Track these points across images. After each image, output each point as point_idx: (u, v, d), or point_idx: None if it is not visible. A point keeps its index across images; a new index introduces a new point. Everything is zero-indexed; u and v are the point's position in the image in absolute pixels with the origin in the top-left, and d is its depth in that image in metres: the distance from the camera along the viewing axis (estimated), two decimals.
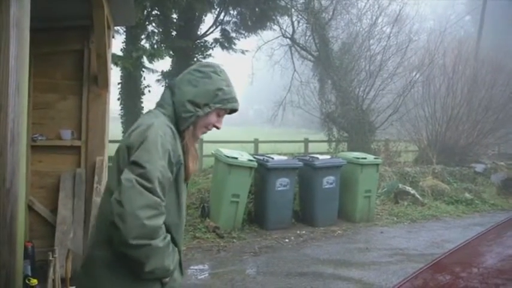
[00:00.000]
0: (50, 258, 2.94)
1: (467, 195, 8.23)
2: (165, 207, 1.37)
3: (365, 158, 6.54)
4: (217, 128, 1.59)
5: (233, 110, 1.62)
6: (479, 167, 9.80)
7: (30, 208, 4.02)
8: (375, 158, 6.77)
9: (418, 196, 7.76)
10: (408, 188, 7.90)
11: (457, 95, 10.57)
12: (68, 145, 4.24)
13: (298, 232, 5.80)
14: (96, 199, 4.09)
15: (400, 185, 7.95)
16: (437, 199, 7.98)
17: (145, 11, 8.35)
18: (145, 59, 8.66)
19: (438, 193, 8.14)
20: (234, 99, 1.57)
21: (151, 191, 1.30)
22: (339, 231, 5.98)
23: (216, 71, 1.56)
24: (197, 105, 1.50)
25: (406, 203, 7.58)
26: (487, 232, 2.17)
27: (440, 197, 8.05)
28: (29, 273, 3.34)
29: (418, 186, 8.27)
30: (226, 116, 1.64)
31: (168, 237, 1.39)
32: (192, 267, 4.51)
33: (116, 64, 7.29)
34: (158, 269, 1.36)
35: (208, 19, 9.82)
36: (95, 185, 4.13)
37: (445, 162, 9.87)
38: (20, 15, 1.67)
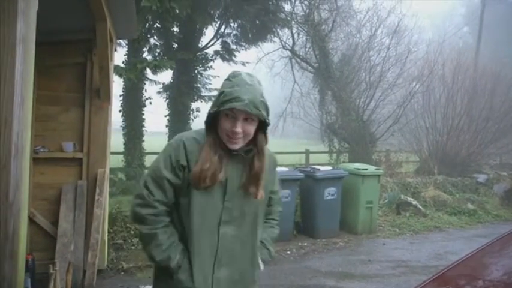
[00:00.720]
0: (51, 271, 2.93)
1: (469, 205, 8.19)
2: (178, 207, 1.58)
3: (366, 169, 6.53)
4: (234, 132, 1.51)
5: (264, 121, 1.56)
6: (481, 178, 9.77)
7: (31, 220, 4.02)
8: (376, 169, 6.75)
9: (420, 207, 7.73)
10: (410, 199, 7.86)
11: (457, 105, 10.62)
12: (70, 157, 4.26)
13: (299, 244, 5.76)
14: (97, 211, 4.09)
15: (402, 196, 7.91)
16: (439, 210, 7.94)
17: (147, 24, 8.45)
18: (148, 71, 8.71)
19: (440, 204, 8.11)
20: (234, 99, 1.46)
21: (144, 185, 1.56)
22: (341, 243, 5.94)
23: (229, 77, 1.56)
24: (209, 114, 1.57)
25: (408, 214, 7.54)
26: (491, 244, 2.16)
27: (443, 208, 8.01)
28: (29, 286, 3.32)
29: (420, 197, 8.23)
30: None
31: (158, 231, 1.53)
32: None
33: (120, 75, 7.34)
34: (148, 254, 1.58)
35: (209, 31, 9.93)
36: (96, 197, 4.14)
37: (446, 172, 9.85)
38: (27, 31, 1.70)
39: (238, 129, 1.50)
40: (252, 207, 1.62)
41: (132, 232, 5.44)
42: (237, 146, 1.54)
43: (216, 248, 1.56)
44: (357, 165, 6.91)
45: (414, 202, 7.78)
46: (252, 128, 1.55)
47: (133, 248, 5.21)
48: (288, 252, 5.45)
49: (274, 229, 1.82)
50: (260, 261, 1.72)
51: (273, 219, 1.83)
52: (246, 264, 1.65)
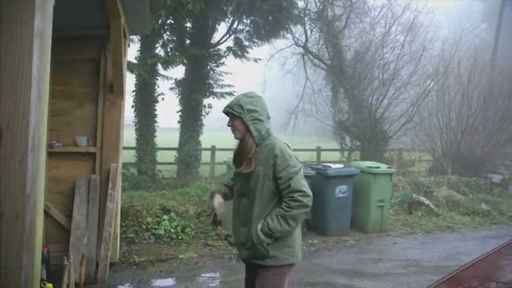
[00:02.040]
0: (65, 263, 2.99)
1: (483, 206, 8.06)
2: None
3: (378, 167, 6.48)
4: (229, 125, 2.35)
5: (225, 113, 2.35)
6: (496, 178, 9.59)
7: (46, 213, 4.09)
8: (388, 167, 6.70)
9: (433, 206, 7.64)
10: (422, 198, 7.78)
11: (472, 104, 10.41)
12: (84, 152, 4.33)
13: (310, 241, 5.76)
14: (110, 205, 4.15)
15: (414, 195, 7.83)
16: (452, 210, 7.83)
17: (160, 20, 8.49)
18: (160, 66, 8.76)
19: (453, 204, 8.00)
20: None
21: None
22: (352, 241, 5.92)
23: None
24: None
25: (420, 213, 7.47)
26: (506, 245, 2.12)
27: (456, 208, 7.90)
28: (44, 277, 3.40)
29: (432, 196, 8.13)
30: None
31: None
32: (203, 274, 4.52)
33: (132, 71, 7.40)
34: None
35: (222, 28, 9.93)
36: (109, 191, 4.20)
37: (460, 172, 9.70)
38: (44, 26, 1.73)
39: (228, 123, 2.32)
40: (253, 184, 2.27)
41: (144, 226, 5.52)
42: (235, 137, 2.33)
43: (240, 212, 2.37)
44: (368, 163, 6.86)
45: (426, 201, 7.70)
46: (236, 122, 2.29)
47: (145, 242, 5.29)
48: (301, 251, 5.44)
49: (280, 209, 2.23)
50: (259, 229, 2.23)
51: (284, 202, 2.24)
52: (250, 229, 2.28)
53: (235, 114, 2.27)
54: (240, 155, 2.31)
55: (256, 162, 2.25)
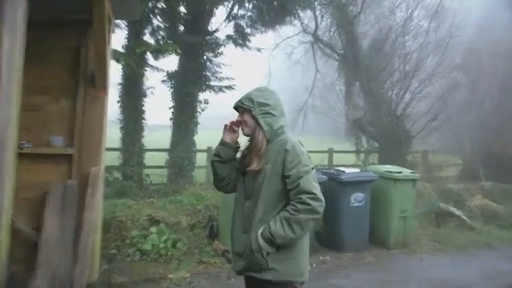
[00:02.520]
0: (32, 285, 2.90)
1: None
2: None
3: (400, 172, 6.40)
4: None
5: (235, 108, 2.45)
6: None
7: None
8: (411, 173, 6.62)
9: (465, 218, 7.56)
10: (452, 209, 7.70)
11: (509, 99, 10.33)
12: (59, 153, 4.27)
13: (321, 258, 5.67)
14: (89, 215, 4.07)
15: (442, 205, 7.76)
16: (488, 223, 7.75)
17: (150, 3, 8.46)
18: (149, 56, 8.73)
19: (490, 215, 7.93)
20: None
21: None
22: (370, 258, 5.83)
23: None
24: None
25: (451, 226, 7.39)
26: None
27: (493, 220, 7.82)
28: None
29: (464, 206, 8.07)
30: None
31: None
32: None
33: (118, 60, 7.38)
34: None
35: (221, 13, 9.91)
36: (87, 199, 4.13)
37: (495, 178, 9.60)
38: (15, 10, 1.65)
39: (238, 117, 2.41)
40: (258, 184, 2.29)
41: (128, 241, 5.44)
42: (244, 133, 2.41)
43: (242, 217, 2.36)
44: (388, 167, 6.78)
45: (457, 212, 7.62)
46: (245, 116, 2.37)
47: (128, 259, 5.20)
48: (308, 267, 5.35)
49: (285, 211, 2.22)
50: (259, 233, 2.23)
51: (291, 204, 2.22)
52: (253, 234, 2.26)
53: (245, 107, 2.35)
54: (251, 153, 2.34)
55: (265, 160, 2.28)
